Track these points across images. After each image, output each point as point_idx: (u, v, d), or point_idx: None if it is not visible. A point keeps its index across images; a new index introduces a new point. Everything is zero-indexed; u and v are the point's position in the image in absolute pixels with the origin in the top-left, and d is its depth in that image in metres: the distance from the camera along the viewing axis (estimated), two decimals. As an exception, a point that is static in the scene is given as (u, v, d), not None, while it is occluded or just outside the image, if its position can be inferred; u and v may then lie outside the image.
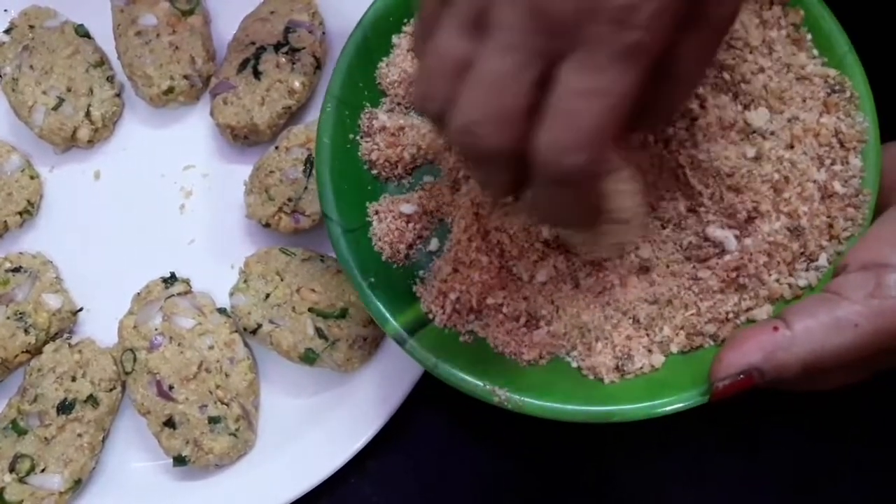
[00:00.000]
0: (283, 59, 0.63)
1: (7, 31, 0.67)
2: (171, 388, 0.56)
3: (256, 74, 0.63)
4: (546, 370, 0.45)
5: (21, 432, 0.56)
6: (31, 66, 0.66)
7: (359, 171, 0.49)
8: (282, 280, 0.58)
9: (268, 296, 0.58)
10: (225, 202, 0.63)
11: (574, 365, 0.45)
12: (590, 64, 0.32)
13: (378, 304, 0.46)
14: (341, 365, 0.56)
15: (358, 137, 0.50)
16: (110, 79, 0.67)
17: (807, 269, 0.44)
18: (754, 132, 0.45)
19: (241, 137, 0.64)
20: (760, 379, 0.39)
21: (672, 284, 0.44)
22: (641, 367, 0.44)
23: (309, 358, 0.56)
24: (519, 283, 0.46)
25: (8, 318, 0.59)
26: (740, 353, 0.39)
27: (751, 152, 0.44)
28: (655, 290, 0.45)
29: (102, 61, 0.67)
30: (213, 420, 0.56)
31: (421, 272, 0.48)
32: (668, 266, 0.45)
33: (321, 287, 0.57)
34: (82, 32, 0.68)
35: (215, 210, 0.64)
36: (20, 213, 0.64)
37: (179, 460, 0.56)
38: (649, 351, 0.44)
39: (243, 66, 0.64)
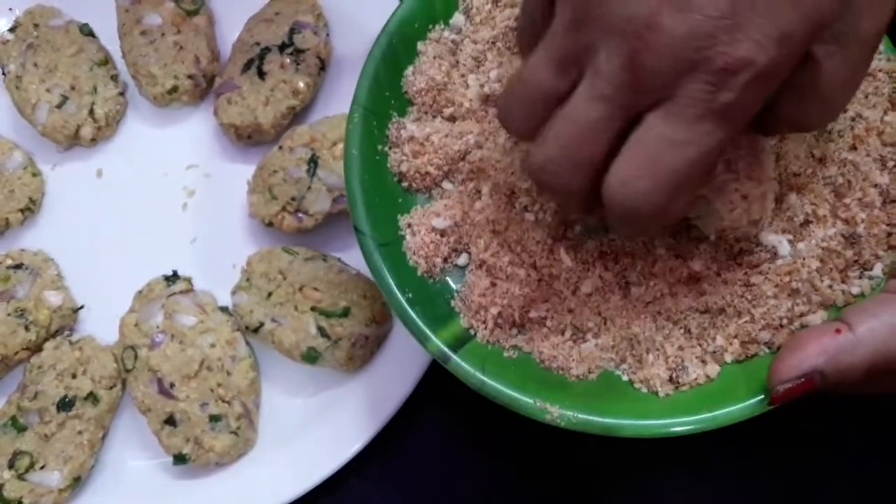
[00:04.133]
0: (288, 60, 0.63)
1: (12, 30, 0.67)
2: (171, 385, 0.56)
3: (261, 75, 0.63)
4: (596, 385, 0.43)
5: (21, 429, 0.56)
6: (35, 65, 0.66)
7: (389, 182, 0.48)
8: (284, 279, 0.58)
9: (270, 294, 0.58)
10: (228, 201, 0.63)
11: (625, 378, 0.44)
12: (679, 115, 0.32)
13: (418, 321, 0.44)
14: (343, 364, 0.56)
15: (386, 148, 0.48)
16: (114, 78, 0.67)
17: (860, 277, 0.43)
18: (823, 131, 0.44)
19: (245, 137, 0.64)
20: (822, 382, 0.38)
21: (724, 292, 0.43)
22: (696, 378, 0.43)
23: (311, 357, 0.56)
24: (562, 294, 0.45)
25: (9, 314, 0.59)
26: (802, 356, 0.38)
27: (817, 153, 0.44)
28: (707, 299, 0.43)
29: (106, 60, 0.68)
30: (214, 418, 0.55)
31: (459, 286, 0.46)
32: (718, 274, 0.44)
33: (324, 286, 0.57)
34: (86, 31, 0.68)
35: (218, 209, 0.64)
36: (22, 211, 0.64)
37: (180, 458, 0.55)
38: (703, 361, 0.43)
39: (248, 66, 0.64)
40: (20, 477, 0.55)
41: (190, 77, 0.65)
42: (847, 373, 0.38)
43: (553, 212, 0.45)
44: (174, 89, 0.65)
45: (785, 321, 0.43)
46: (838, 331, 0.38)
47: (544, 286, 0.45)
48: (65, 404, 0.56)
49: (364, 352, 0.56)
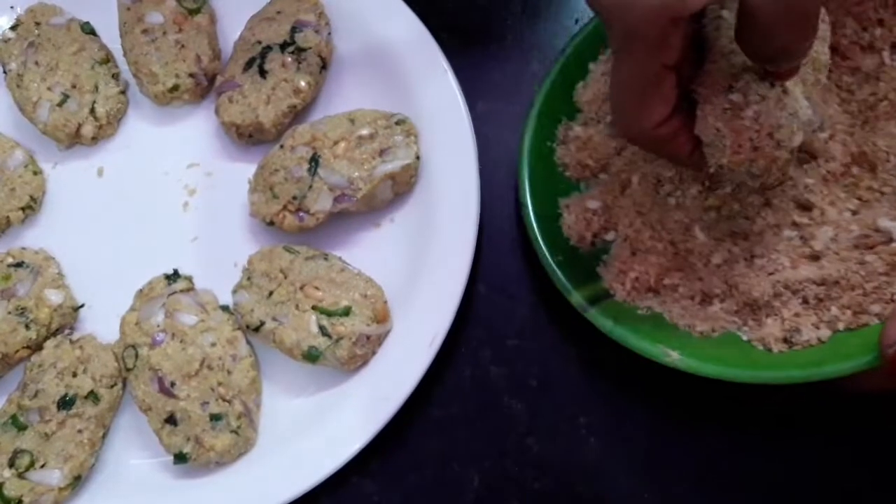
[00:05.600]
0: (289, 59, 0.63)
1: (13, 28, 0.68)
2: (172, 384, 0.56)
3: (262, 73, 0.63)
4: (717, 341, 0.49)
5: (21, 428, 0.56)
6: (37, 63, 0.66)
7: (553, 171, 0.58)
8: (285, 278, 0.58)
9: (271, 293, 0.57)
10: (229, 200, 0.63)
11: (745, 338, 0.49)
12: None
13: (563, 278, 0.53)
14: (344, 363, 0.56)
15: (554, 144, 0.59)
16: (115, 76, 0.67)
17: None
18: None
19: (246, 136, 0.64)
20: None
21: (840, 267, 0.48)
22: (808, 340, 0.47)
23: (311, 356, 0.56)
24: (695, 266, 0.52)
25: (9, 313, 0.59)
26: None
27: None
28: (823, 273, 0.48)
29: (108, 59, 0.68)
30: (215, 417, 0.55)
31: (604, 256, 0.55)
32: (836, 253, 0.49)
33: (325, 285, 0.57)
34: (88, 30, 0.68)
35: (219, 208, 0.64)
36: (23, 209, 0.64)
37: (180, 457, 0.55)
38: (817, 328, 0.47)
39: (249, 65, 0.64)
40: (20, 475, 0.55)
41: (191, 75, 0.65)
42: None
43: (692, 197, 0.53)
44: (175, 88, 0.65)
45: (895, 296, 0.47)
46: None
47: (679, 258, 0.53)
48: (65, 403, 0.56)
49: (365, 351, 0.56)
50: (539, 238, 0.55)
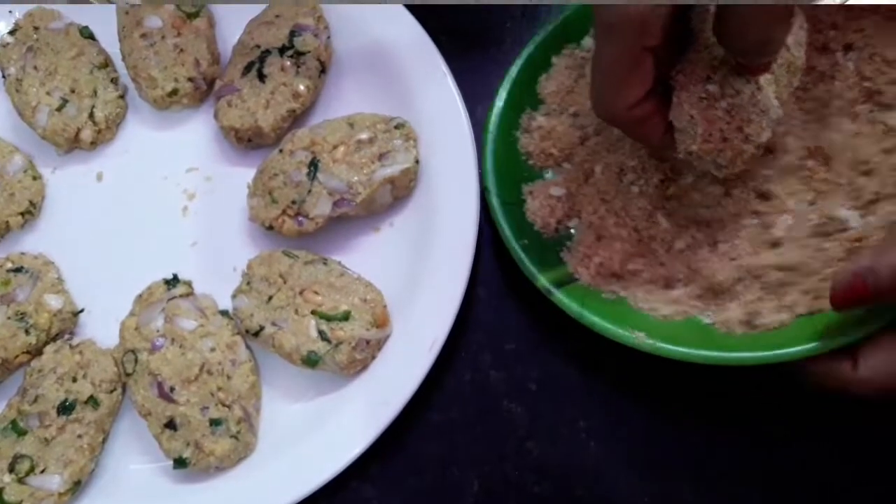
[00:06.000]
0: (288, 63, 0.63)
1: (11, 33, 0.67)
2: (172, 389, 0.56)
3: (261, 77, 0.63)
4: (680, 325, 0.51)
5: (21, 433, 0.56)
6: (36, 67, 0.66)
7: (517, 159, 0.59)
8: (285, 282, 0.58)
9: (270, 298, 0.57)
10: (228, 205, 0.63)
11: (707, 321, 0.51)
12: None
13: (527, 262, 0.54)
14: (344, 368, 0.56)
15: (518, 133, 0.60)
16: (114, 80, 0.67)
17: None
18: (891, 130, 0.51)
19: (245, 140, 0.64)
20: (874, 279, 0.42)
21: (800, 253, 0.50)
22: (770, 323, 0.49)
23: (311, 360, 0.56)
24: (657, 252, 0.53)
25: (9, 318, 0.59)
26: (854, 262, 0.44)
27: (887, 145, 0.51)
28: (784, 259, 0.50)
29: (107, 63, 0.68)
30: (215, 422, 0.55)
31: (568, 243, 0.56)
32: (796, 240, 0.50)
33: (324, 289, 0.57)
34: (87, 34, 0.68)
35: (218, 212, 0.64)
36: (22, 214, 0.64)
37: (180, 462, 0.55)
38: (778, 311, 0.49)
39: (248, 69, 0.64)
40: (20, 481, 0.55)
41: (190, 80, 0.65)
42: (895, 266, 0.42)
43: (654, 186, 0.55)
44: (174, 92, 0.65)
45: None
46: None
47: (643, 245, 0.54)
48: (65, 408, 0.56)
49: (364, 355, 0.56)
50: (503, 222, 0.56)
